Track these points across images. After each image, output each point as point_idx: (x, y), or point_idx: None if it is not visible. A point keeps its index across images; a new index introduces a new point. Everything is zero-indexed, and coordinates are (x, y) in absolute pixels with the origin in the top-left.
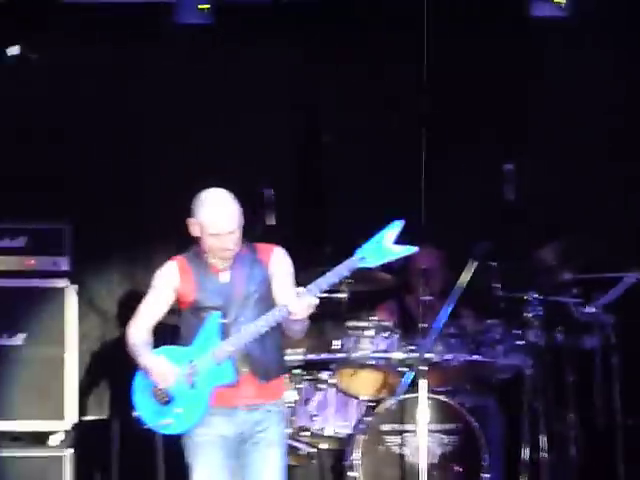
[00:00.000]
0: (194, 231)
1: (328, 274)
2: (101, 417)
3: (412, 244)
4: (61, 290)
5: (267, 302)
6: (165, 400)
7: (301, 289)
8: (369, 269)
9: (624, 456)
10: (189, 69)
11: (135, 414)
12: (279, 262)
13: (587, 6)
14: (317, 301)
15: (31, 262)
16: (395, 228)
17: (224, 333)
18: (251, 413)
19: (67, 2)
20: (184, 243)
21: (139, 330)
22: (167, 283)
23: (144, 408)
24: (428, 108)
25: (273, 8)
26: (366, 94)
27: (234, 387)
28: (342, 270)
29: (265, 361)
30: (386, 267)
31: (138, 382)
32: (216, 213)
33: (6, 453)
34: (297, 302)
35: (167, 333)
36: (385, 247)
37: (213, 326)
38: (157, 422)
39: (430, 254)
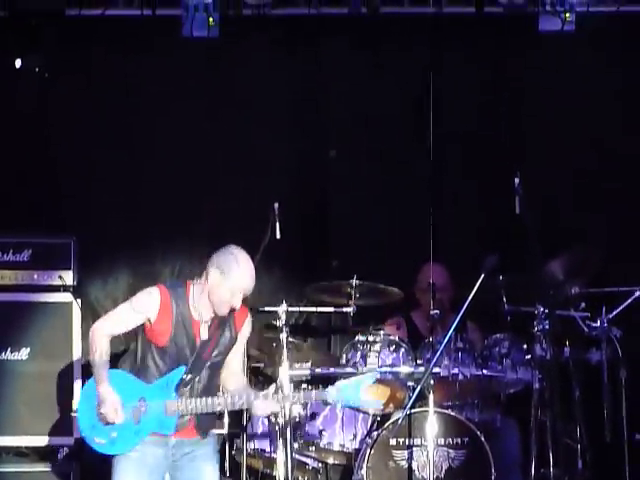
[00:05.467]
0: (212, 279)
1: (301, 393)
2: None
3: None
4: (65, 305)
5: (220, 365)
6: (105, 422)
7: (271, 390)
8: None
9: (630, 470)
10: (195, 83)
11: (73, 414)
12: (247, 331)
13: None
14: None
15: (35, 277)
16: (372, 379)
17: (180, 388)
18: (183, 443)
19: (71, 15)
20: (188, 259)
21: (103, 338)
22: (143, 311)
23: (84, 417)
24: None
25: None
26: (371, 109)
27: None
28: (312, 396)
29: (209, 421)
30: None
31: (87, 391)
32: (249, 276)
33: (12, 468)
34: (263, 404)
35: None
36: (359, 394)
37: (174, 378)
38: (90, 436)
39: (438, 270)
